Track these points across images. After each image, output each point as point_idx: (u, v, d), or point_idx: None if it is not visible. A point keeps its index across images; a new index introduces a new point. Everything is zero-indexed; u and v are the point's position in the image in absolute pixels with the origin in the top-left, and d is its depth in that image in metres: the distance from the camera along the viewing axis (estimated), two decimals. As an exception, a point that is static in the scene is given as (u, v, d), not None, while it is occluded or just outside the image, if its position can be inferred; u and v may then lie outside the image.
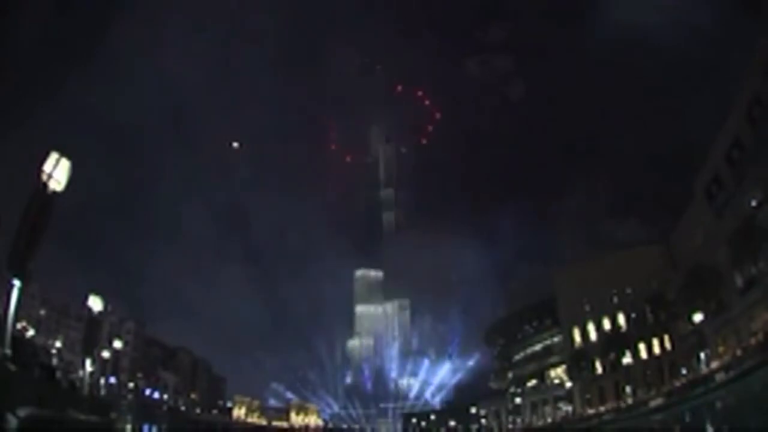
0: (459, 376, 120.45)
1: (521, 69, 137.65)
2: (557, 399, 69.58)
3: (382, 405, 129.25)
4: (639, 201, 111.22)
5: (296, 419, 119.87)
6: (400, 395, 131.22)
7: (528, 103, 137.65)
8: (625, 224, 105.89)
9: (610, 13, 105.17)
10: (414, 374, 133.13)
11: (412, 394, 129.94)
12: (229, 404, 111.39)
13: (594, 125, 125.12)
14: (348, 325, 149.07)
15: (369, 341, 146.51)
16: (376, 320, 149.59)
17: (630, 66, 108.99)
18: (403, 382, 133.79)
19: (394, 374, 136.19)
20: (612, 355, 60.18)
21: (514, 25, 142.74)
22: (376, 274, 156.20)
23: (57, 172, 25.88)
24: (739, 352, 37.95)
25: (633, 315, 59.49)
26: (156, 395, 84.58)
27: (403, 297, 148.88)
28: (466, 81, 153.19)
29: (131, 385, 78.44)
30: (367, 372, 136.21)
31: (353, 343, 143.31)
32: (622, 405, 55.40)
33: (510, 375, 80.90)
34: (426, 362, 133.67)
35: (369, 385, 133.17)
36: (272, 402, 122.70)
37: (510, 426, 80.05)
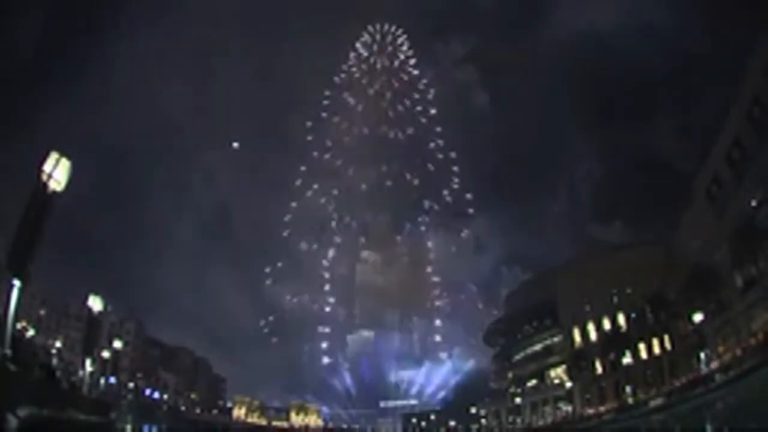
0: (459, 376, 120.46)
1: (503, 71, 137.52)
2: (557, 399, 69.53)
3: (382, 405, 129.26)
4: (623, 203, 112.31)
5: (296, 419, 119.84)
6: (400, 395, 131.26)
7: (507, 107, 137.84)
8: (610, 227, 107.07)
9: (595, 13, 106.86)
10: (414, 374, 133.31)
11: (412, 394, 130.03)
12: (229, 404, 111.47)
13: (576, 129, 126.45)
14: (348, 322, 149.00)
15: (369, 334, 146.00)
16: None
17: (608, 68, 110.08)
18: (403, 382, 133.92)
19: (394, 374, 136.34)
20: (612, 355, 60.17)
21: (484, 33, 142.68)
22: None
23: (57, 172, 25.85)
24: (739, 352, 37.96)
25: (633, 315, 59.46)
26: (156, 395, 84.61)
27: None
28: (439, 87, 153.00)
29: (131, 385, 78.44)
30: (367, 371, 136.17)
31: (353, 338, 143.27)
32: (622, 405, 55.42)
33: (510, 375, 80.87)
34: (425, 363, 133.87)
35: (369, 385, 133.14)
36: (272, 402, 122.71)
37: (510, 426, 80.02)
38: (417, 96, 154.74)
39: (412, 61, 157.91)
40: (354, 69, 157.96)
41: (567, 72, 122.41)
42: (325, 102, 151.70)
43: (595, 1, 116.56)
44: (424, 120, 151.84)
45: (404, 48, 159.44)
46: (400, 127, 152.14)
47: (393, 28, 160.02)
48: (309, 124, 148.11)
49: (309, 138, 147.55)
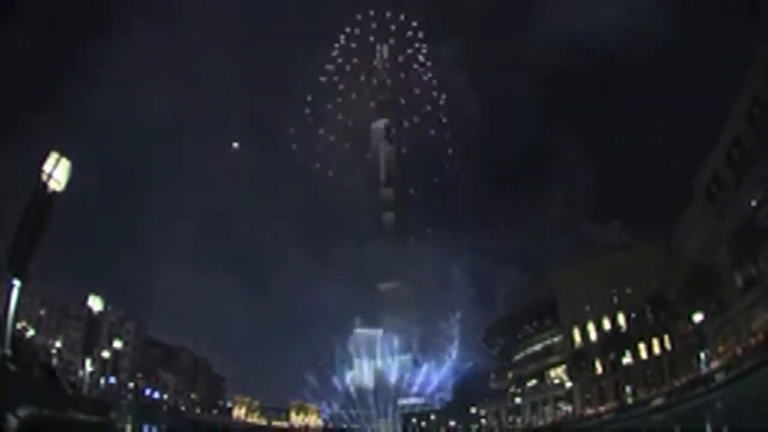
0: (459, 376, 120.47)
1: (495, 73, 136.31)
2: (557, 399, 69.58)
3: (382, 405, 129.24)
4: (621, 203, 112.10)
5: (296, 419, 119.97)
6: (400, 395, 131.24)
7: (504, 108, 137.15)
8: (608, 227, 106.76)
9: (593, 14, 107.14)
10: (414, 374, 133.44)
11: (412, 394, 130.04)
12: (229, 404, 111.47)
13: (574, 130, 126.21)
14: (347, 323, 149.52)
15: (370, 335, 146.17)
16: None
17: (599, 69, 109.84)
18: (403, 382, 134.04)
19: (394, 374, 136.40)
20: (612, 355, 60.24)
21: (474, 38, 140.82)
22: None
23: (57, 172, 25.91)
24: (739, 352, 37.98)
25: (633, 315, 59.51)
26: (156, 395, 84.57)
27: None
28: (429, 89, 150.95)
29: (131, 385, 78.42)
30: (367, 371, 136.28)
31: (353, 339, 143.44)
32: (622, 405, 55.45)
33: (510, 375, 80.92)
34: (425, 363, 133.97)
35: (369, 385, 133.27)
36: (272, 402, 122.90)
37: (510, 426, 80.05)
38: (429, 104, 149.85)
39: (423, 59, 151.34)
40: (341, 70, 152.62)
41: (565, 73, 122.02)
42: (307, 110, 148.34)
43: (592, 2, 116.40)
44: (430, 124, 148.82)
45: (415, 44, 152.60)
46: (402, 132, 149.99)
47: (402, 17, 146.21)
48: (292, 130, 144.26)
49: (294, 147, 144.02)
